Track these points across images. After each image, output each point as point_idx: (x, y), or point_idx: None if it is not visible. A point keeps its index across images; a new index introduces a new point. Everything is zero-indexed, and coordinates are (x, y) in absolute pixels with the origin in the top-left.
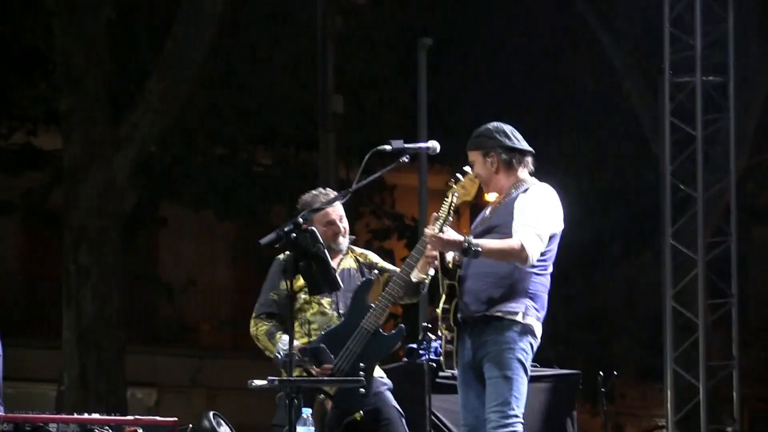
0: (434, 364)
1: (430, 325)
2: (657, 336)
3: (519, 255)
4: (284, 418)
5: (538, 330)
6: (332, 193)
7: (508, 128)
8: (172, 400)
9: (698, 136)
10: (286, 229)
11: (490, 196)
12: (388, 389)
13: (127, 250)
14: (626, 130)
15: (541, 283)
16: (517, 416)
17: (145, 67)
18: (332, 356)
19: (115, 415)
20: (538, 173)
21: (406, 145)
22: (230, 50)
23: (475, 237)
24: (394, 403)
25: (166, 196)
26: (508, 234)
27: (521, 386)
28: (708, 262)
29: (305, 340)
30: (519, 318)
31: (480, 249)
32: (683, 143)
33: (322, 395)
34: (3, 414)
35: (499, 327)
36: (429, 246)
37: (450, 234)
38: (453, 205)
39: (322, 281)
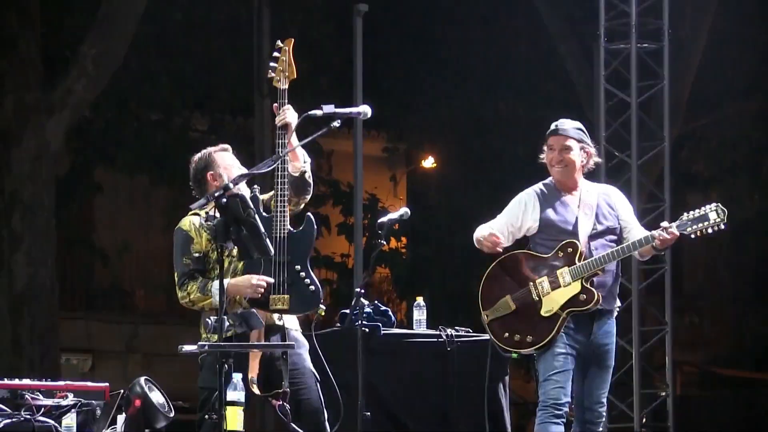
0: (367, 329)
1: (363, 291)
2: None
3: None
4: (208, 379)
5: None
6: (223, 146)
7: None
8: (108, 366)
9: (633, 102)
10: (216, 194)
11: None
12: (307, 350)
13: (62, 216)
14: (561, 96)
15: None
16: None
17: (78, 32)
18: (261, 320)
19: (46, 381)
20: (474, 137)
21: (337, 110)
22: (165, 15)
23: (595, 235)
24: (311, 366)
25: (100, 162)
26: (618, 232)
27: None
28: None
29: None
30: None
31: None
32: (618, 110)
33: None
34: None
35: (613, 320)
36: None
37: None
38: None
39: (253, 246)
